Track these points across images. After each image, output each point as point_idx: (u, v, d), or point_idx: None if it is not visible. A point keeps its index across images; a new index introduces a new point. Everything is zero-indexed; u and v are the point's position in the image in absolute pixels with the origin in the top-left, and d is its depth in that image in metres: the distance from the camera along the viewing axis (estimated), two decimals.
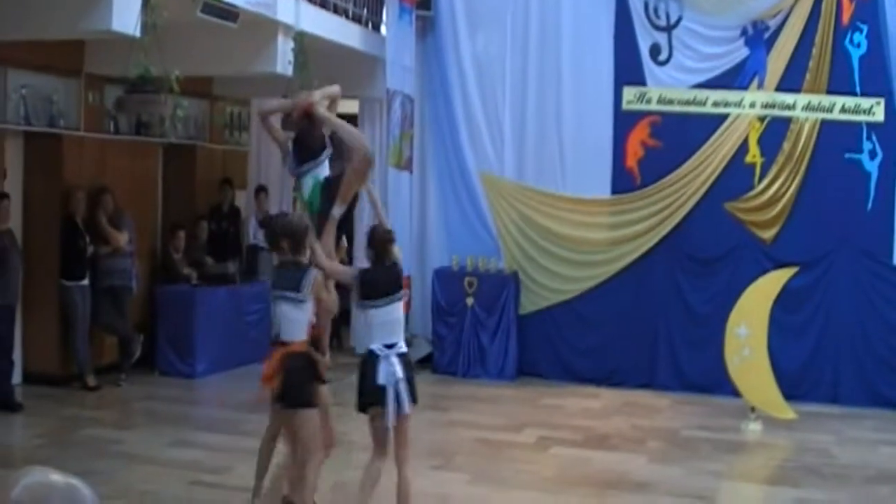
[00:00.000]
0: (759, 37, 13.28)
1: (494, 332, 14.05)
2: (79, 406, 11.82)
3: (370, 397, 7.24)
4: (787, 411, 11.79)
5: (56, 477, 2.03)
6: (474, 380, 13.84)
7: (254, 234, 15.40)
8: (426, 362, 14.28)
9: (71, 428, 10.72)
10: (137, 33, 9.18)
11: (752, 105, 13.34)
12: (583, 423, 11.73)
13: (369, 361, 7.25)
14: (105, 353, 13.16)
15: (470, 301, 14.09)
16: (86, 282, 12.50)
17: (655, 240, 13.69)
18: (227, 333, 13.79)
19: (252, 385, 12.97)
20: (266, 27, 11.82)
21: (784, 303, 12.33)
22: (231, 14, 10.82)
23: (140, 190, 13.87)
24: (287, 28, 11.95)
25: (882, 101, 12.92)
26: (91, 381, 12.46)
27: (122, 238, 12.89)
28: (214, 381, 13.34)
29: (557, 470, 9.81)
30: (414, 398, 7.31)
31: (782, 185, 13.22)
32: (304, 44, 11.97)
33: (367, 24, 14.29)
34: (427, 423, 11.57)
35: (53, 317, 12.39)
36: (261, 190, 15.58)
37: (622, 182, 13.85)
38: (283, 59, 11.96)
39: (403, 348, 7.37)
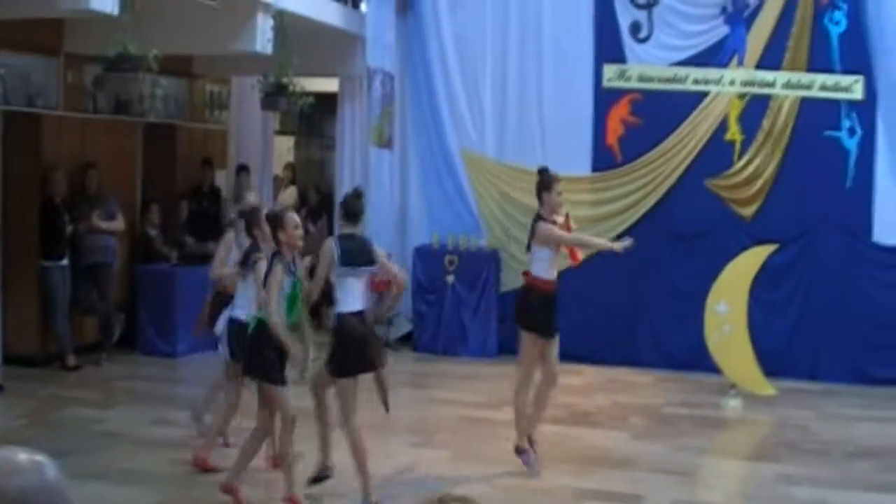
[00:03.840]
0: (738, 14, 13.29)
1: (475, 310, 14.07)
2: (59, 386, 11.80)
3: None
4: (767, 388, 11.84)
5: (22, 455, 2.02)
6: (455, 357, 13.86)
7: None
8: (407, 340, 14.33)
9: (52, 408, 10.70)
10: (116, 11, 9.13)
11: (732, 83, 13.35)
12: (565, 400, 11.73)
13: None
14: (85, 332, 13.13)
15: (451, 279, 14.09)
16: (65, 262, 12.45)
17: (636, 217, 13.72)
18: None
19: None
20: (245, 5, 11.75)
21: (764, 280, 12.37)
22: None
23: (120, 169, 13.78)
24: (267, 6, 11.88)
25: (861, 78, 12.95)
26: (71, 360, 12.44)
27: (120, 224, 12.94)
28: (195, 360, 13.30)
29: (540, 447, 9.81)
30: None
31: (762, 162, 13.25)
32: (284, 22, 11.91)
33: (346, 2, 14.22)
34: (408, 401, 11.59)
35: (33, 297, 12.35)
36: (241, 169, 15.49)
37: (602, 159, 13.86)
38: (263, 38, 11.89)
39: None
